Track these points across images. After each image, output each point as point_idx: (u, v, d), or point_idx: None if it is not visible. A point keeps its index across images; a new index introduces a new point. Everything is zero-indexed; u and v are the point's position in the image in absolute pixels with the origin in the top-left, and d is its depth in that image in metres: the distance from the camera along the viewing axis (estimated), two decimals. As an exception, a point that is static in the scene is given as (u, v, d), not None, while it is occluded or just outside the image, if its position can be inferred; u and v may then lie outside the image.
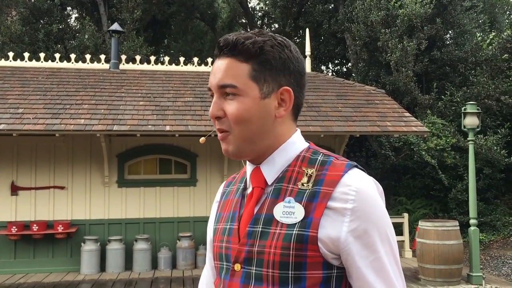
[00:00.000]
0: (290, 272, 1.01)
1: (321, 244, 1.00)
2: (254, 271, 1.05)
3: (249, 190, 1.14)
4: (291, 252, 1.00)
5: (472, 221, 7.56)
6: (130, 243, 8.30)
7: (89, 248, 7.99)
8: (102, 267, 8.08)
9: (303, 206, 1.03)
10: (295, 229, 1.01)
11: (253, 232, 1.07)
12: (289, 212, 1.03)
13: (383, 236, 1.03)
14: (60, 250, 8.29)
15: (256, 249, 1.05)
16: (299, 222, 1.02)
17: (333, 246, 1.00)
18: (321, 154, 1.12)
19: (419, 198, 12.58)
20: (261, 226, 1.06)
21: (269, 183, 1.11)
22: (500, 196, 12.84)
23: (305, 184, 1.06)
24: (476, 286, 7.15)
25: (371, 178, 1.08)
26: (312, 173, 1.07)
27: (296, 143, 1.14)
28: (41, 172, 8.38)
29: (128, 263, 8.15)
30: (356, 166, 1.08)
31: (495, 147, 11.25)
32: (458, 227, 7.32)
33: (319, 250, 1.00)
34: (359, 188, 1.02)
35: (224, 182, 1.30)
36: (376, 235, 1.02)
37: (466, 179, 10.19)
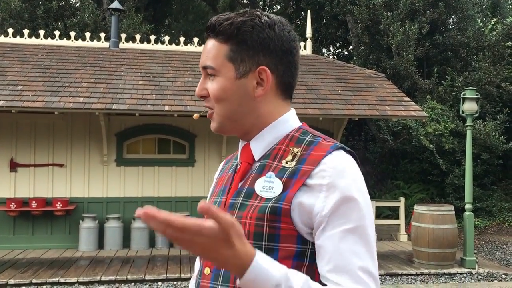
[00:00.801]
0: (263, 243, 1.02)
1: (294, 216, 1.01)
2: None
3: (239, 166, 1.17)
4: (265, 223, 1.02)
5: (467, 206, 7.62)
6: (128, 221, 8.37)
7: (87, 225, 8.07)
8: (100, 244, 8.17)
9: (282, 182, 1.04)
10: (270, 202, 1.03)
11: (234, 204, 1.10)
12: (268, 186, 1.06)
13: (358, 213, 1.01)
14: (59, 227, 8.37)
15: None
16: (276, 196, 1.03)
17: (307, 218, 1.01)
18: (310, 134, 1.12)
19: (416, 183, 12.64)
20: (241, 199, 1.09)
21: (256, 159, 1.13)
22: (497, 182, 12.91)
23: (288, 162, 1.07)
24: (469, 270, 7.24)
25: (354, 161, 1.08)
26: (297, 152, 1.08)
27: (288, 122, 1.15)
28: (40, 150, 8.42)
29: (126, 241, 8.24)
30: (343, 148, 1.08)
31: (494, 133, 11.27)
32: (453, 212, 7.38)
33: (292, 223, 1.01)
34: (336, 165, 1.03)
35: (224, 160, 1.34)
36: (350, 211, 1.00)
37: (463, 164, 10.23)
